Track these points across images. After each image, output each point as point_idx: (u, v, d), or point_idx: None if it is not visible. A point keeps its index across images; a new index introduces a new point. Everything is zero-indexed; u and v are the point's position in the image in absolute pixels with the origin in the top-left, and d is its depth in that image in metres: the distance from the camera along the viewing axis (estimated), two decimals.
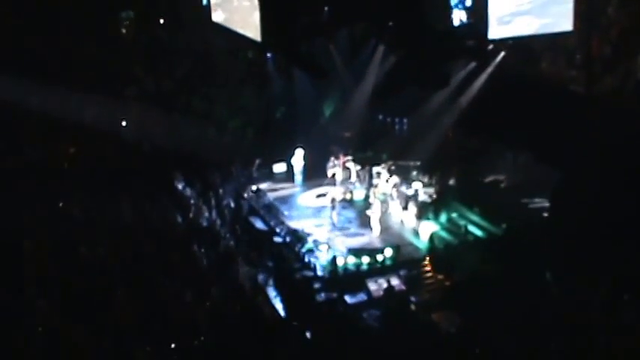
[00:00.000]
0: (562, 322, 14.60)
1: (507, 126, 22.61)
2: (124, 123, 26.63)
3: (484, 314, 15.68)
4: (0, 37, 22.66)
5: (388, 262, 20.26)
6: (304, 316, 17.10)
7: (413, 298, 18.56)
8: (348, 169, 27.14)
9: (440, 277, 19.93)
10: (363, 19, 27.56)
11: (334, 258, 19.88)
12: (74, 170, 22.71)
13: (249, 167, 28.09)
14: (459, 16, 25.23)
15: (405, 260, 20.51)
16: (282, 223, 23.09)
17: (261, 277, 19.21)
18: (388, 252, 20.31)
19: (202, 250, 19.17)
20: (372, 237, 22.17)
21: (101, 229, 18.67)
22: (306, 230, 22.34)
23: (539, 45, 23.71)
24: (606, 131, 18.84)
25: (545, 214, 22.22)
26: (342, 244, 21.46)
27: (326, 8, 25.84)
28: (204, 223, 21.61)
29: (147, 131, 26.06)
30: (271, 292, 18.78)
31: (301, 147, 28.24)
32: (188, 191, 23.42)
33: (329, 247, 20.86)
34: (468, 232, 21.75)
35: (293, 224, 22.94)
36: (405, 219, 23.22)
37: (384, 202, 23.62)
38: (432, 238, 21.26)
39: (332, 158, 27.48)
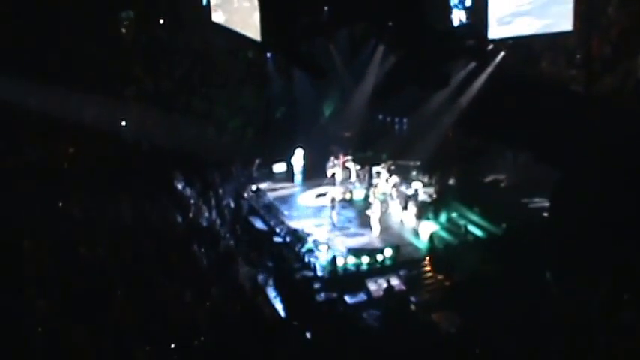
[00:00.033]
0: (562, 322, 14.60)
1: (507, 126, 22.61)
2: (123, 123, 26.61)
3: (484, 314, 15.69)
4: (0, 37, 22.64)
5: (388, 262, 20.27)
6: (304, 316, 17.10)
7: (413, 298, 18.58)
8: (347, 169, 27.15)
9: (440, 277, 19.94)
10: (363, 19, 27.56)
11: (334, 258, 19.88)
12: (74, 170, 22.67)
13: (249, 167, 28.09)
14: (458, 16, 25.22)
15: (404, 260, 20.52)
16: (282, 223, 23.09)
17: (261, 277, 19.21)
18: (388, 252, 20.32)
19: (202, 250, 19.17)
20: (372, 237, 22.18)
21: (101, 229, 18.65)
22: (306, 230, 22.35)
23: (539, 45, 23.69)
24: (606, 131, 18.83)
25: (545, 214, 22.23)
26: (341, 244, 21.47)
27: (326, 8, 25.83)
28: (204, 223, 21.61)
29: (147, 131, 26.03)
30: (271, 292, 18.78)
31: (301, 147, 28.24)
32: (188, 191, 23.42)
33: (329, 247, 20.87)
34: (467, 232, 21.76)
35: (293, 224, 22.94)
36: (404, 219, 23.22)
37: (383, 202, 23.62)
38: (431, 238, 21.27)
39: (332, 158, 27.49)
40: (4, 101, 21.54)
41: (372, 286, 19.15)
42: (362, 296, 18.96)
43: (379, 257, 20.19)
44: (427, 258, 20.64)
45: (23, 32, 23.24)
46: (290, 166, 28.63)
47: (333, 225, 23.01)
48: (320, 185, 26.98)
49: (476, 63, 25.54)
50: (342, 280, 19.63)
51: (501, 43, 24.28)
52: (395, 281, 19.04)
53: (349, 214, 24.25)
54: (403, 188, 24.59)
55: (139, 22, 27.43)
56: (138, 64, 27.07)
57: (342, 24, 27.75)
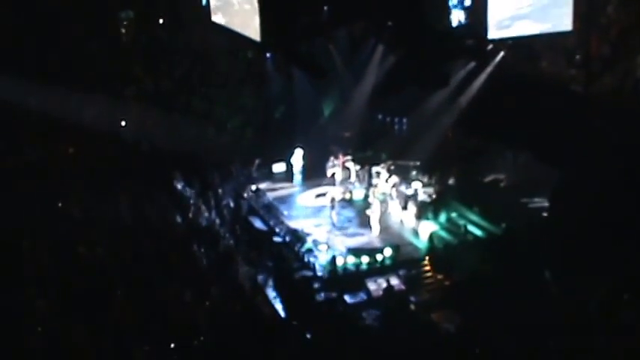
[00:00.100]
0: (562, 322, 14.61)
1: (507, 125, 22.62)
2: (123, 123, 26.62)
3: (484, 314, 15.70)
4: (0, 37, 22.64)
5: (388, 262, 20.26)
6: (304, 315, 17.10)
7: (412, 298, 18.57)
8: (347, 168, 27.13)
9: (439, 276, 19.94)
10: (362, 19, 27.55)
11: (334, 258, 19.87)
12: (74, 170, 22.67)
13: (248, 167, 28.05)
14: (458, 17, 25.22)
15: (404, 260, 20.51)
16: (282, 222, 23.08)
17: (260, 277, 19.22)
18: (388, 252, 20.31)
19: (202, 249, 19.18)
20: (372, 237, 22.17)
21: (101, 229, 18.66)
22: (306, 230, 22.33)
23: (538, 45, 23.69)
24: (606, 131, 18.85)
25: (545, 214, 22.23)
26: (341, 243, 21.46)
27: (325, 8, 25.82)
28: (204, 223, 21.61)
29: (146, 131, 26.06)
30: (271, 292, 18.79)
31: (301, 147, 28.21)
32: (187, 191, 23.42)
33: (328, 246, 20.87)
34: (467, 231, 21.75)
35: (292, 224, 22.92)
36: (404, 219, 23.22)
37: (383, 201, 23.60)
38: (431, 237, 21.27)
39: (331, 158, 27.46)
40: (4, 101, 21.57)
41: (371, 285, 19.14)
42: (362, 296, 18.94)
43: (379, 257, 20.18)
44: (427, 258, 20.62)
45: (23, 32, 23.25)
46: (290, 166, 28.59)
47: (333, 225, 23.00)
48: (320, 185, 26.94)
49: (475, 63, 25.53)
50: (341, 279, 19.62)
51: (501, 42, 24.28)
52: (394, 281, 19.03)
53: (349, 213, 24.23)
54: (403, 188, 24.56)
55: (139, 22, 27.45)
56: (138, 64, 27.10)
57: (341, 24, 27.74)
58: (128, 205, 20.61)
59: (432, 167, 26.17)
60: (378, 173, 25.84)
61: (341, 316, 17.45)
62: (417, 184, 24.89)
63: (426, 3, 24.82)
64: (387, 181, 25.07)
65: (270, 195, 26.33)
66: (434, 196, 24.34)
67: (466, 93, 25.78)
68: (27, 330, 13.65)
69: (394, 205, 23.81)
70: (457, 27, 25.30)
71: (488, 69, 25.04)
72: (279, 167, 29.15)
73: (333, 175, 27.11)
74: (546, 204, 22.50)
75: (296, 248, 21.03)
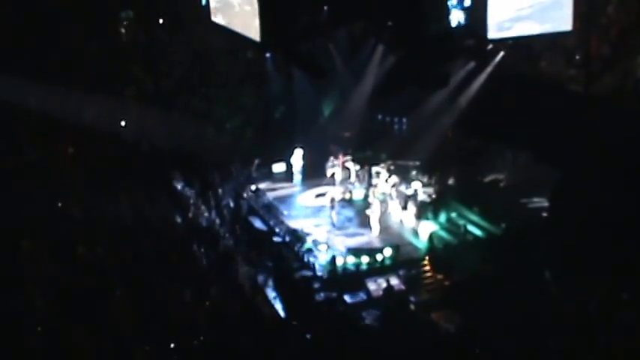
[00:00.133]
0: (562, 322, 14.61)
1: (507, 126, 22.61)
2: (123, 123, 26.62)
3: (484, 314, 15.70)
4: (0, 37, 22.64)
5: (387, 262, 20.27)
6: (304, 315, 17.11)
7: (412, 298, 18.57)
8: (347, 168, 27.13)
9: (439, 276, 19.94)
10: (362, 19, 27.53)
11: (333, 258, 19.88)
12: (74, 170, 22.68)
13: (248, 167, 28.05)
14: (457, 17, 25.20)
15: (404, 260, 20.52)
16: (282, 222, 23.08)
17: (260, 277, 19.22)
18: (387, 252, 20.32)
19: (202, 249, 19.19)
20: (372, 237, 22.18)
21: (100, 229, 18.66)
22: (306, 230, 22.33)
23: (538, 45, 23.69)
24: (605, 131, 18.85)
25: (545, 214, 22.24)
26: (341, 243, 21.47)
27: (325, 8, 25.81)
28: (204, 223, 21.62)
29: (146, 131, 26.05)
30: (271, 292, 18.79)
31: (300, 147, 28.20)
32: (187, 191, 23.43)
33: (328, 246, 20.87)
34: (467, 231, 21.77)
35: (292, 224, 22.91)
36: (404, 219, 23.22)
37: (383, 201, 23.61)
38: (431, 237, 21.27)
39: (331, 158, 27.48)
40: (4, 101, 21.57)
41: (371, 285, 19.15)
42: (361, 296, 18.95)
43: (379, 257, 20.19)
44: (426, 258, 20.63)
45: (23, 32, 23.25)
46: (289, 166, 28.58)
47: (333, 225, 23.01)
48: (319, 185, 26.95)
49: (475, 63, 25.52)
50: (341, 279, 19.62)
51: (501, 43, 24.26)
52: (394, 281, 19.04)
53: (349, 213, 24.23)
54: (403, 188, 24.57)
55: (139, 22, 27.44)
56: (138, 64, 27.10)
57: (341, 24, 27.72)
58: (128, 205, 20.61)
59: (432, 167, 26.18)
60: (377, 173, 25.85)
61: (341, 316, 17.44)
62: (416, 184, 24.91)
63: (426, 3, 24.80)
64: (386, 181, 25.08)
65: (270, 195, 26.33)
66: (434, 196, 24.36)
67: (466, 93, 25.76)
68: (27, 330, 13.64)
69: (394, 205, 23.81)
70: (457, 27, 25.28)
71: (488, 69, 25.02)
72: (279, 167, 29.15)
73: (333, 175, 27.12)
74: (546, 204, 22.52)
75: (296, 248, 21.03)
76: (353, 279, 19.60)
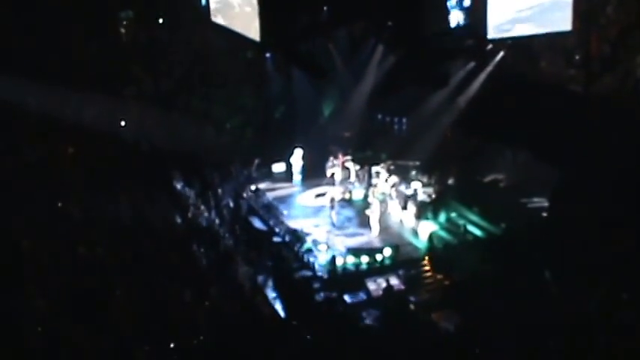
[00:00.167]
0: (562, 322, 14.61)
1: (506, 125, 22.61)
2: (123, 123, 26.61)
3: (484, 314, 15.71)
4: (0, 37, 22.63)
5: (387, 262, 20.30)
6: (303, 315, 17.11)
7: (412, 298, 18.59)
8: (347, 168, 27.14)
9: (439, 276, 19.97)
10: (362, 19, 27.52)
11: (333, 257, 19.89)
12: (73, 170, 22.67)
13: (248, 167, 28.03)
14: (457, 17, 25.19)
15: (404, 260, 20.54)
16: (282, 222, 23.09)
17: (260, 277, 19.22)
18: (387, 251, 20.34)
19: (201, 249, 19.19)
20: (371, 237, 22.20)
21: (100, 229, 18.66)
22: (305, 230, 22.34)
23: (538, 45, 23.68)
24: (605, 131, 18.86)
25: (545, 214, 22.23)
26: (341, 243, 21.47)
27: (325, 8, 25.80)
28: (204, 223, 21.61)
29: (146, 131, 26.03)
30: (270, 292, 18.79)
31: (300, 147, 28.19)
32: (187, 191, 23.42)
33: (328, 246, 20.87)
34: (467, 231, 21.77)
35: (292, 224, 22.92)
36: (404, 219, 23.23)
37: (383, 201, 23.61)
38: (431, 237, 21.29)
39: (331, 158, 27.48)
40: (4, 101, 21.56)
41: (371, 285, 19.17)
42: (361, 296, 18.97)
43: (378, 257, 20.21)
44: (426, 258, 20.66)
45: (23, 32, 23.24)
46: (289, 166, 28.57)
47: (333, 225, 23.02)
48: (319, 185, 26.94)
49: (475, 63, 25.53)
50: (341, 279, 19.64)
51: (500, 43, 24.23)
52: (394, 281, 19.07)
53: (348, 213, 24.23)
54: (402, 188, 24.58)
55: (139, 21, 27.43)
56: (137, 64, 27.07)
57: (341, 24, 27.70)
58: (128, 205, 20.60)
59: (432, 167, 26.19)
60: (377, 173, 25.84)
61: (341, 316, 17.45)
62: (416, 184, 24.93)
63: (426, 3, 24.78)
64: (386, 181, 25.09)
65: (270, 195, 26.33)
66: (433, 196, 24.37)
67: (466, 93, 25.77)
68: (27, 330, 13.65)
69: (394, 205, 23.82)
70: (457, 27, 25.27)
71: (488, 69, 25.02)
72: (278, 167, 29.15)
73: (333, 175, 27.13)
74: (546, 204, 22.52)
75: (295, 248, 21.04)
76: (353, 279, 19.61)
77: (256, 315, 16.77)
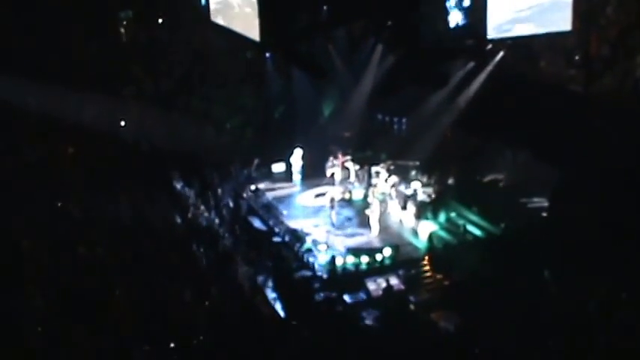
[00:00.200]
0: (562, 322, 14.61)
1: (506, 125, 22.61)
2: (123, 123, 26.62)
3: (483, 314, 15.70)
4: (0, 37, 22.65)
5: (387, 262, 20.28)
6: (303, 315, 17.11)
7: (412, 298, 18.57)
8: (347, 168, 27.12)
9: (439, 276, 19.95)
10: (362, 19, 27.51)
11: (333, 257, 19.89)
12: (73, 170, 22.69)
13: (247, 167, 28.02)
14: (457, 17, 25.20)
15: (403, 260, 20.52)
16: (281, 222, 23.08)
17: (260, 277, 19.22)
18: (387, 251, 20.33)
19: (201, 249, 19.19)
20: (371, 237, 22.18)
21: (100, 229, 18.67)
22: (305, 230, 22.32)
23: (538, 45, 23.67)
24: (605, 130, 18.86)
25: (545, 214, 22.23)
26: (341, 243, 21.45)
27: (325, 8, 25.80)
28: (203, 223, 21.62)
29: (146, 131, 26.05)
30: (270, 292, 18.79)
31: (300, 146, 28.17)
32: (187, 191, 23.42)
33: (328, 246, 20.86)
34: (466, 231, 21.76)
35: (292, 224, 22.91)
36: (403, 218, 23.22)
37: (382, 201, 23.60)
38: (430, 237, 21.27)
39: (331, 158, 27.45)
40: (4, 101, 21.58)
41: (371, 285, 19.16)
42: (361, 296, 18.95)
43: (378, 257, 20.20)
44: (426, 257, 20.64)
45: (23, 32, 23.25)
46: (289, 166, 28.55)
47: (332, 225, 22.99)
48: (319, 185, 26.91)
49: (475, 63, 25.52)
50: (341, 279, 19.63)
51: (500, 42, 24.21)
52: (394, 281, 19.05)
53: (348, 213, 24.17)
54: (402, 188, 24.55)
55: (139, 21, 27.44)
56: (137, 64, 27.09)
57: (341, 24, 27.70)
58: (128, 205, 20.61)
59: (432, 167, 26.16)
60: (377, 173, 25.82)
61: (340, 315, 17.44)
62: (416, 184, 24.90)
63: (425, 3, 24.78)
64: (386, 181, 25.06)
65: (270, 195, 26.31)
66: (433, 196, 24.34)
67: (465, 93, 25.74)
68: (27, 330, 13.65)
69: (393, 205, 23.80)
70: (456, 27, 25.28)
71: (488, 69, 25.01)
72: (278, 167, 29.12)
73: (333, 175, 27.11)
74: (546, 204, 22.50)
75: (295, 248, 21.03)
76: (352, 279, 19.60)
77: (256, 315, 16.77)
